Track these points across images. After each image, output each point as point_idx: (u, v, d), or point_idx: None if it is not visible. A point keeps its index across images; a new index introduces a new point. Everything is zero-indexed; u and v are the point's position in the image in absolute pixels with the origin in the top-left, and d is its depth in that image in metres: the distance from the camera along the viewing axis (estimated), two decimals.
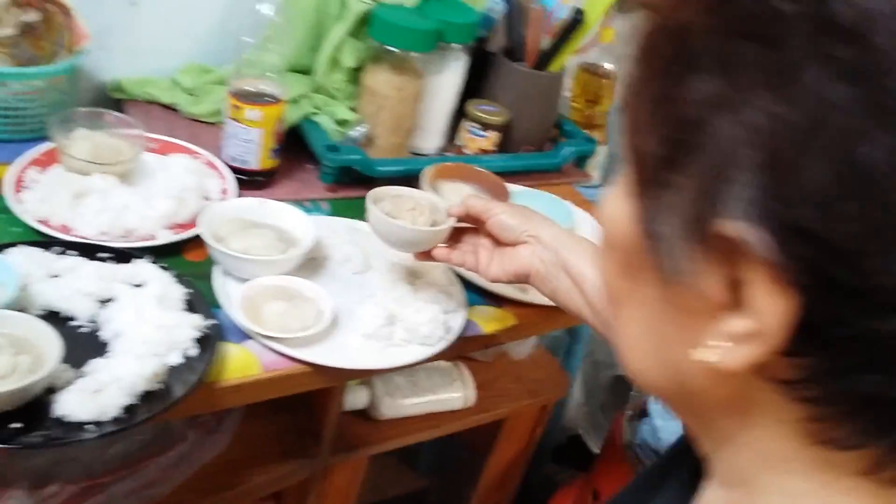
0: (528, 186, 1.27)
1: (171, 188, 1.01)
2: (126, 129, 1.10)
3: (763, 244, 0.29)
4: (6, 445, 0.68)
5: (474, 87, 1.37)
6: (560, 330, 1.67)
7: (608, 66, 1.52)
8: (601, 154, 1.47)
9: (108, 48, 1.25)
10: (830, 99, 0.27)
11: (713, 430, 0.38)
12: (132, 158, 1.06)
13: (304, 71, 1.30)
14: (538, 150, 1.39)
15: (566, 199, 1.25)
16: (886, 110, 0.26)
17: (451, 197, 1.10)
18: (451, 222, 0.88)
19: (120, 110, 1.26)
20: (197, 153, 1.14)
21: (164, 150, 1.14)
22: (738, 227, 0.30)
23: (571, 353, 1.70)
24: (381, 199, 0.91)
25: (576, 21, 1.27)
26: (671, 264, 0.33)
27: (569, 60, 1.36)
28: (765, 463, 0.36)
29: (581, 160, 1.40)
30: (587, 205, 1.30)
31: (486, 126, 1.30)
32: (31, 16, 1.13)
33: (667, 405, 0.41)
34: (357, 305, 0.97)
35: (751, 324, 0.31)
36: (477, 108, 1.31)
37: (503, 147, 1.34)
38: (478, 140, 1.31)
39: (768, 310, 0.30)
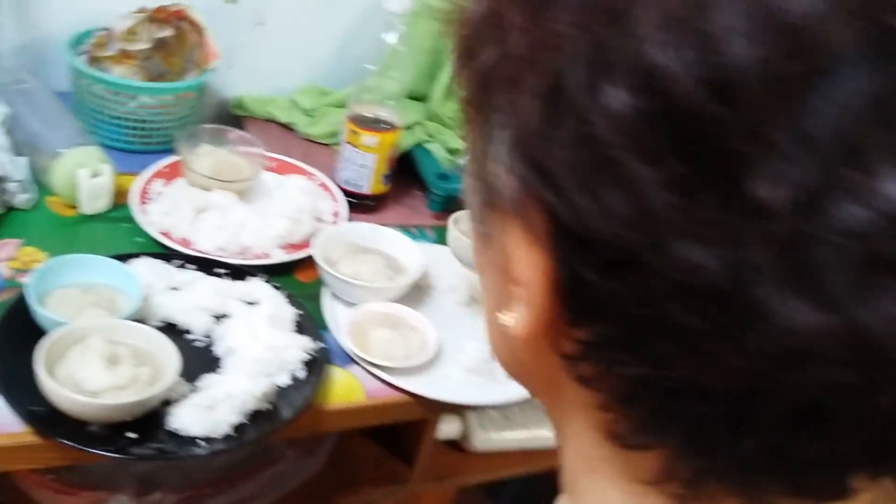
0: None
1: (287, 208, 1.03)
2: (247, 148, 1.13)
3: (508, 188, 0.28)
4: (122, 456, 0.69)
5: None
6: None
7: None
8: None
9: (232, 66, 1.29)
10: (553, 31, 0.25)
11: (553, 422, 0.35)
12: (252, 177, 1.08)
13: (420, 98, 1.31)
14: None
15: None
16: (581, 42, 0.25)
17: None
18: None
19: (240, 127, 1.29)
20: (312, 174, 1.16)
21: (281, 169, 1.16)
22: (494, 172, 0.28)
23: None
24: (461, 220, 0.92)
25: None
26: (475, 218, 0.32)
27: None
28: (582, 463, 0.33)
29: None
30: None
31: None
32: (166, 32, 1.18)
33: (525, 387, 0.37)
34: (460, 338, 0.97)
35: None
36: None
37: None
38: None
39: (525, 266, 0.28)
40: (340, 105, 1.31)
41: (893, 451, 0.27)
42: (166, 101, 1.14)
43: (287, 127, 1.31)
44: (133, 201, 1.00)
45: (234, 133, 1.15)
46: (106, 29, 1.16)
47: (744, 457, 0.27)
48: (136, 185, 1.03)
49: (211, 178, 1.04)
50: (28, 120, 1.04)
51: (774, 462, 0.27)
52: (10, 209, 0.97)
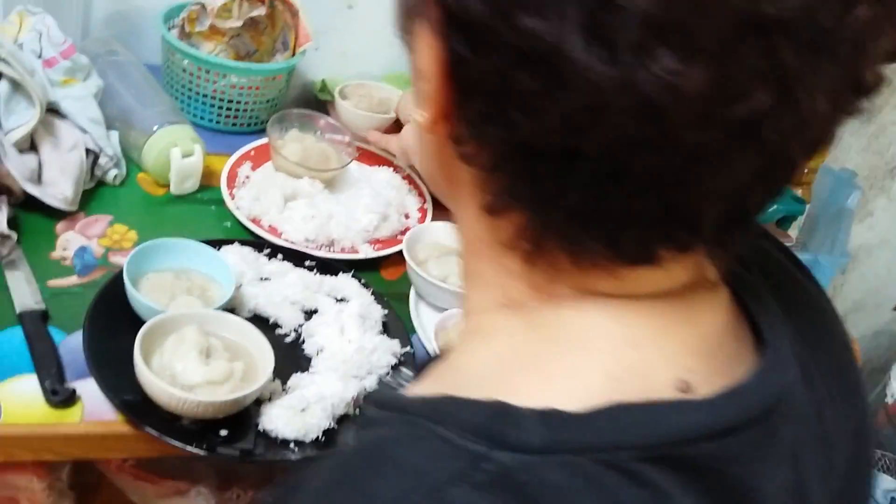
0: None
1: (375, 202, 1.00)
2: (335, 136, 1.11)
3: None
4: (213, 454, 0.67)
5: None
6: None
7: None
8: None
9: (319, 48, 1.26)
10: None
11: (456, 220, 0.41)
12: (340, 167, 1.06)
13: None
14: None
15: None
16: None
17: None
18: None
19: (324, 111, 1.27)
20: (398, 167, 1.13)
21: (367, 160, 1.13)
22: None
23: None
24: None
25: None
26: (403, 29, 0.37)
27: None
28: (469, 247, 0.40)
29: (785, 220, 1.31)
30: None
31: None
32: (258, 11, 1.16)
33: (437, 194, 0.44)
34: None
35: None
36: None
37: None
38: None
39: (427, 57, 0.34)
40: None
41: (683, 215, 0.33)
42: (256, 83, 1.11)
43: None
44: (223, 184, 0.98)
45: (323, 120, 1.12)
46: (199, 3, 1.13)
47: (569, 212, 0.34)
48: (226, 168, 1.01)
49: (299, 164, 1.01)
50: (120, 93, 1.03)
51: (592, 218, 0.34)
52: (100, 184, 0.96)
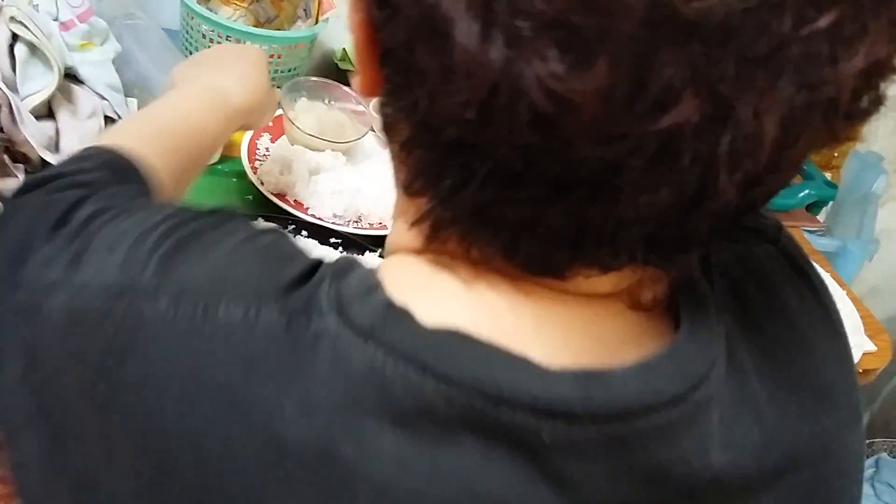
0: None
1: None
2: (351, 105, 1.07)
3: None
4: None
5: None
6: None
7: None
8: None
9: (340, 16, 1.22)
10: None
11: (395, 179, 0.38)
12: (358, 137, 1.02)
13: None
14: None
15: None
16: None
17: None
18: None
19: (345, 82, 1.23)
20: None
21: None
22: None
23: None
24: None
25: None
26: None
27: None
28: (397, 209, 0.38)
29: (815, 205, 1.28)
30: (818, 256, 1.18)
31: None
32: None
33: None
34: None
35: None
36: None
37: None
38: None
39: (354, 19, 0.33)
40: None
41: (598, 235, 0.30)
42: (276, 51, 1.08)
43: None
44: (243, 156, 0.95)
45: (339, 88, 1.09)
46: None
47: (470, 209, 0.31)
48: (245, 140, 0.98)
49: (315, 136, 0.98)
50: (137, 58, 0.99)
51: (491, 221, 0.31)
52: None
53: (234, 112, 0.67)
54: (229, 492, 0.30)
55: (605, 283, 0.34)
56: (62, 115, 0.85)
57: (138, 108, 0.96)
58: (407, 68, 0.30)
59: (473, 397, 0.29)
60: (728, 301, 0.38)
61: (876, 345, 1.08)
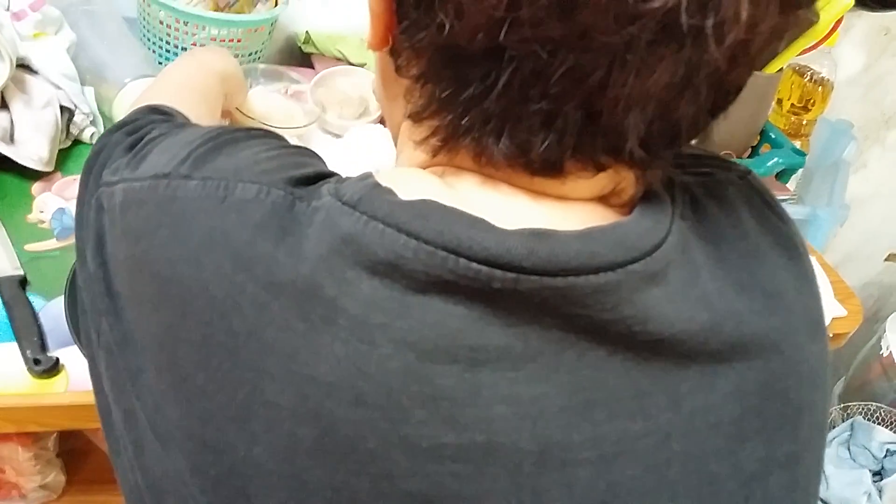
0: None
1: (372, 159, 0.96)
2: (302, 89, 1.06)
3: None
4: None
5: None
6: None
7: (824, 72, 1.39)
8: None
9: None
10: None
11: (392, 126, 0.47)
12: (309, 123, 1.01)
13: None
14: (738, 156, 1.28)
15: None
16: None
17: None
18: None
19: (309, 64, 1.22)
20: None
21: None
22: None
23: None
24: None
25: (809, 21, 1.15)
26: None
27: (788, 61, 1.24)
28: (402, 142, 0.44)
29: (783, 173, 1.28)
30: None
31: None
32: None
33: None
34: None
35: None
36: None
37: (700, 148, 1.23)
38: None
39: None
40: None
41: (606, 124, 0.35)
42: (237, 35, 1.06)
43: (358, 67, 1.23)
44: None
45: (290, 75, 1.08)
46: None
47: (488, 115, 0.36)
48: None
49: (259, 121, 0.97)
50: (93, 46, 0.98)
51: (510, 123, 0.36)
52: (77, 142, 0.91)
53: (218, 74, 0.81)
54: (233, 328, 0.36)
55: (592, 186, 0.39)
56: (16, 105, 0.84)
57: (96, 98, 0.95)
58: (423, 3, 0.36)
59: (438, 250, 0.35)
60: (687, 212, 0.42)
61: (846, 309, 1.09)
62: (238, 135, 0.43)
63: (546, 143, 0.36)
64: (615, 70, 0.33)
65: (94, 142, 0.92)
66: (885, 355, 1.72)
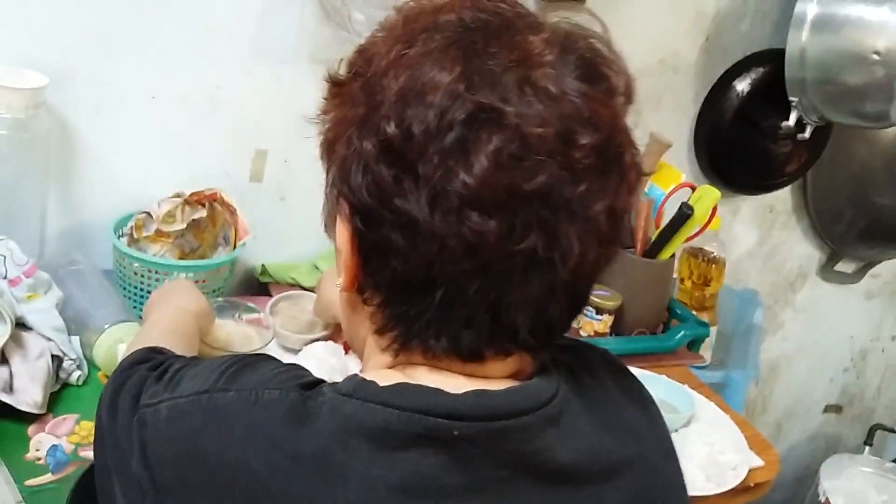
0: (643, 368, 1.31)
1: (320, 370, 1.10)
2: (252, 315, 1.21)
3: (333, 198, 0.56)
4: None
5: None
6: None
7: (715, 251, 1.60)
8: (711, 335, 1.52)
9: (257, 237, 1.39)
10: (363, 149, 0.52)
11: (358, 342, 0.61)
12: (265, 344, 1.16)
13: None
14: (651, 332, 1.44)
15: (682, 381, 1.29)
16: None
17: None
18: None
19: (266, 292, 1.38)
20: (335, 336, 1.24)
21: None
22: (329, 193, 0.57)
23: None
24: None
25: (685, 215, 1.36)
26: (328, 229, 0.58)
27: (677, 248, 1.44)
28: (370, 350, 0.58)
29: (693, 343, 1.44)
30: (704, 388, 1.33)
31: (600, 310, 1.37)
32: (199, 213, 1.29)
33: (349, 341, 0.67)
34: None
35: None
36: (592, 292, 1.39)
37: (617, 330, 1.40)
38: (593, 323, 1.38)
39: (341, 237, 0.54)
40: None
41: (504, 324, 0.52)
42: (202, 276, 1.22)
43: (311, 291, 1.39)
44: None
45: (243, 305, 1.22)
46: (145, 212, 1.26)
47: (427, 325, 0.52)
48: None
49: (224, 350, 1.10)
50: (77, 299, 1.12)
51: (442, 329, 0.52)
52: (65, 385, 1.04)
53: (193, 315, 0.99)
54: (271, 491, 0.49)
55: (502, 368, 0.55)
56: (15, 359, 0.97)
57: (80, 345, 1.08)
58: (385, 251, 0.51)
59: (413, 413, 0.49)
60: (567, 379, 0.58)
61: (764, 460, 1.21)
62: (252, 359, 0.58)
63: (469, 339, 0.52)
64: (505, 287, 0.50)
65: (80, 383, 1.05)
66: (822, 501, 1.82)
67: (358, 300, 0.57)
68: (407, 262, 0.50)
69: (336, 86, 0.56)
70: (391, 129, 0.50)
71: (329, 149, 0.56)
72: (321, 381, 0.55)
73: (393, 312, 0.54)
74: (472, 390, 0.52)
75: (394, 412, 0.50)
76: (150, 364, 0.64)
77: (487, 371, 0.55)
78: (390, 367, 0.56)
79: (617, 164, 0.52)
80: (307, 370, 0.58)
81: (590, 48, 0.53)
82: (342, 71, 0.56)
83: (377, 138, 0.50)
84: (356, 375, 0.54)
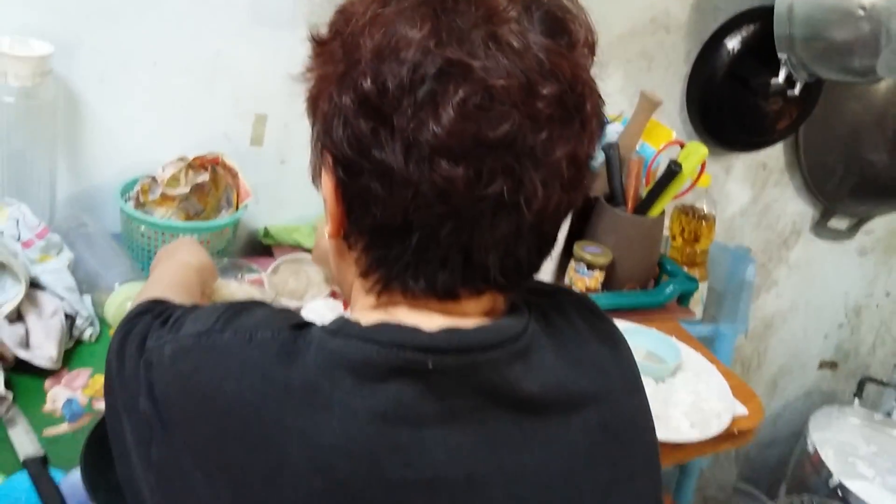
0: (635, 322, 1.37)
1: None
2: (252, 275, 1.26)
3: (318, 150, 0.59)
4: None
5: (579, 229, 1.50)
6: (671, 466, 1.71)
7: (705, 208, 1.63)
8: (702, 290, 1.56)
9: (259, 201, 1.44)
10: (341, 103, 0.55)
11: (346, 286, 0.66)
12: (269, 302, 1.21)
13: None
14: (642, 287, 1.49)
15: (671, 334, 1.34)
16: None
17: None
18: None
19: (269, 254, 1.43)
20: (335, 293, 1.29)
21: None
22: (315, 146, 0.60)
23: (681, 488, 1.73)
24: None
25: (673, 172, 1.40)
26: (315, 179, 0.62)
27: (667, 204, 1.48)
28: (354, 293, 0.64)
29: (683, 298, 1.49)
30: (692, 341, 1.38)
31: (591, 266, 1.42)
32: (202, 177, 1.33)
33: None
34: None
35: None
36: (583, 249, 1.43)
37: (608, 285, 1.45)
38: (584, 279, 1.43)
39: (326, 187, 0.58)
40: None
41: (476, 264, 0.56)
42: (206, 237, 1.27)
43: (311, 251, 1.44)
44: None
45: (243, 265, 1.28)
46: (150, 176, 1.31)
47: (406, 266, 0.56)
48: None
49: None
50: (87, 260, 1.18)
51: (419, 270, 0.56)
52: (78, 342, 1.09)
53: (195, 270, 1.03)
54: (263, 418, 0.54)
55: (476, 306, 0.60)
56: (30, 317, 1.02)
57: (92, 303, 1.13)
58: (367, 199, 0.55)
59: (392, 349, 0.54)
60: (539, 319, 0.62)
61: (748, 409, 1.25)
62: (248, 304, 0.63)
63: (444, 279, 0.57)
64: (475, 230, 0.55)
65: (93, 340, 1.10)
66: (812, 453, 1.87)
67: (344, 246, 0.61)
68: (385, 208, 0.55)
69: (319, 45, 0.60)
70: (368, 84, 0.53)
71: (313, 105, 0.60)
72: (310, 324, 0.59)
73: (375, 256, 0.58)
74: (446, 328, 0.57)
75: (374, 347, 0.54)
76: (154, 312, 0.68)
77: (462, 309, 0.59)
78: (374, 308, 0.61)
79: (578, 112, 0.55)
80: (298, 314, 0.62)
81: (554, 3, 0.56)
82: (323, 31, 0.60)
83: (355, 93, 0.54)
84: (342, 316, 0.58)
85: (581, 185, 0.59)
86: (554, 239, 0.61)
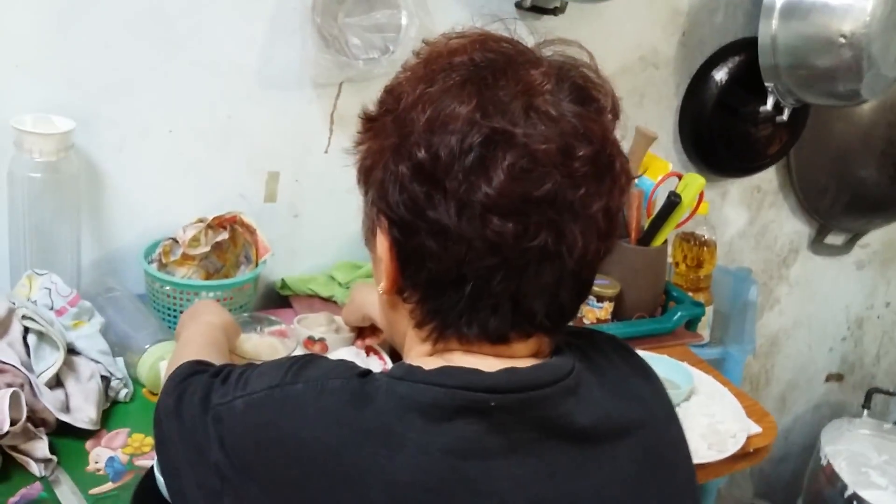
0: (645, 350, 1.40)
1: None
2: (273, 327, 1.29)
3: (373, 214, 0.65)
4: None
5: None
6: None
7: (705, 234, 1.69)
8: (708, 314, 1.61)
9: (275, 253, 1.48)
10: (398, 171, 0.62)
11: (398, 336, 0.71)
12: (290, 353, 1.24)
13: None
14: (650, 316, 1.53)
15: (682, 359, 1.38)
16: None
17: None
18: None
19: (287, 304, 1.48)
20: (362, 342, 1.33)
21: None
22: (368, 211, 0.67)
23: None
24: None
25: (674, 203, 1.45)
26: (368, 243, 0.69)
27: (669, 234, 1.53)
28: (408, 342, 0.69)
29: (691, 323, 1.53)
30: (703, 364, 1.42)
31: (601, 298, 1.46)
32: (222, 236, 1.38)
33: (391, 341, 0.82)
34: None
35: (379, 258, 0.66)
36: (594, 280, 1.48)
37: (617, 315, 1.49)
38: (595, 310, 1.47)
39: (381, 247, 0.64)
40: (370, 276, 1.50)
41: (524, 310, 0.62)
42: (228, 294, 1.32)
43: (328, 300, 1.49)
44: None
45: (267, 318, 1.29)
46: (172, 238, 1.36)
47: (459, 315, 0.62)
48: None
49: (251, 360, 1.18)
50: (118, 323, 1.22)
51: (472, 318, 0.62)
52: (114, 403, 1.13)
53: (220, 329, 1.08)
54: (343, 461, 0.58)
55: (525, 348, 0.65)
56: (69, 382, 1.07)
57: (125, 365, 1.17)
58: (421, 256, 0.61)
59: (457, 390, 0.59)
60: (580, 356, 0.67)
61: (761, 427, 1.29)
62: (311, 357, 0.67)
63: (496, 324, 0.62)
64: (524, 277, 0.60)
65: (128, 400, 1.14)
66: (825, 465, 1.91)
67: (398, 300, 0.67)
68: (440, 262, 0.61)
69: (369, 121, 0.66)
70: (421, 153, 0.60)
71: (366, 174, 0.66)
72: (370, 371, 0.64)
73: (430, 307, 0.64)
74: (504, 368, 0.62)
75: (441, 390, 0.60)
76: (209, 373, 0.72)
77: (513, 351, 0.65)
78: (430, 355, 0.66)
79: (609, 170, 0.62)
80: (356, 364, 0.67)
81: (581, 76, 0.63)
82: (372, 109, 0.66)
83: (410, 162, 0.60)
84: (404, 363, 0.64)
85: (614, 234, 0.65)
86: (591, 284, 0.67)
